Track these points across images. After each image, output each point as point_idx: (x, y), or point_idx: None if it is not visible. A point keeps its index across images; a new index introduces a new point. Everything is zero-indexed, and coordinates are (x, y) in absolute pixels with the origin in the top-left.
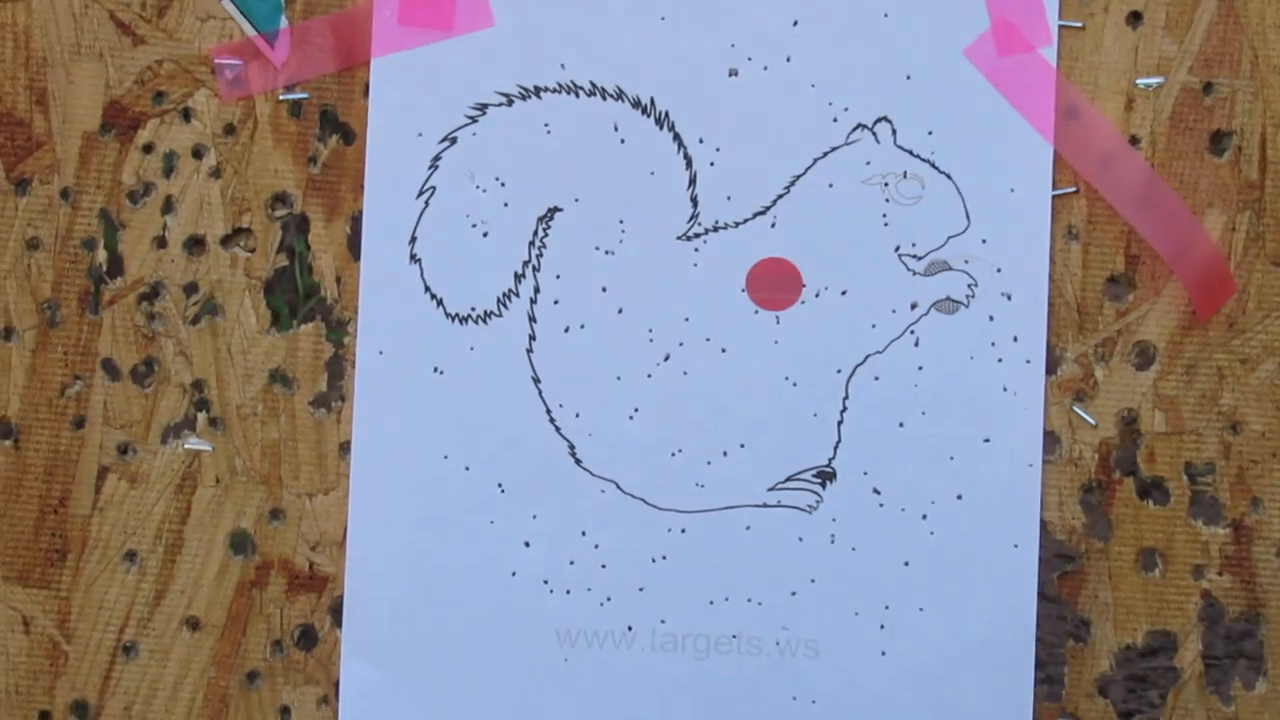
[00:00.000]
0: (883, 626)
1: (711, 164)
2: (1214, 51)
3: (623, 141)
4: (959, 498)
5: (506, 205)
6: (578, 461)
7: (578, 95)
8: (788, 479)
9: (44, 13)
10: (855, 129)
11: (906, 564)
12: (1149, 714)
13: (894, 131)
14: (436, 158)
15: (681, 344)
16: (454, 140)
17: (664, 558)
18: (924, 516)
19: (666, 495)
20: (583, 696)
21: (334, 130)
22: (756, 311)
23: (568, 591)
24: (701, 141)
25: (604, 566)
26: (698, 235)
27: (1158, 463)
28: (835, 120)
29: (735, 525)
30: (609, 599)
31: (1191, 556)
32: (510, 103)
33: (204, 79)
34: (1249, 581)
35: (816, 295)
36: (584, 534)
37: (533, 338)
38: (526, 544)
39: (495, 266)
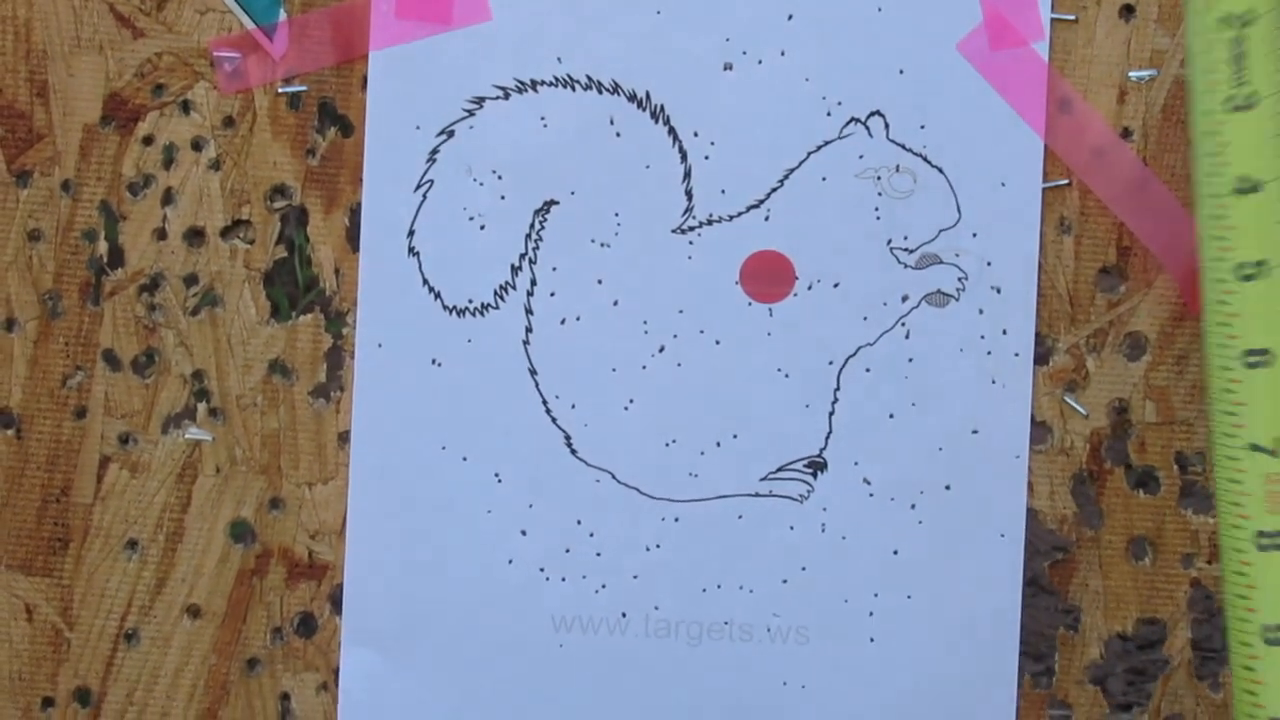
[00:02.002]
0: (871, 614)
1: (706, 157)
2: None
3: (618, 135)
4: (947, 488)
5: (503, 198)
6: (573, 452)
7: (574, 89)
8: (779, 469)
9: (44, 6)
10: (848, 123)
11: (895, 553)
12: (1140, 702)
13: (886, 125)
14: (434, 151)
15: (676, 336)
16: (451, 133)
17: (658, 546)
18: (912, 506)
19: (660, 485)
20: (577, 681)
21: (332, 123)
22: (750, 304)
23: (563, 579)
24: (696, 135)
25: (599, 554)
26: (692, 228)
27: (1148, 452)
28: (829, 114)
29: (728, 514)
30: (604, 586)
31: (1181, 545)
32: (507, 96)
33: (203, 72)
34: None
35: (809, 288)
36: (579, 523)
37: (529, 330)
38: (523, 532)
39: (492, 259)
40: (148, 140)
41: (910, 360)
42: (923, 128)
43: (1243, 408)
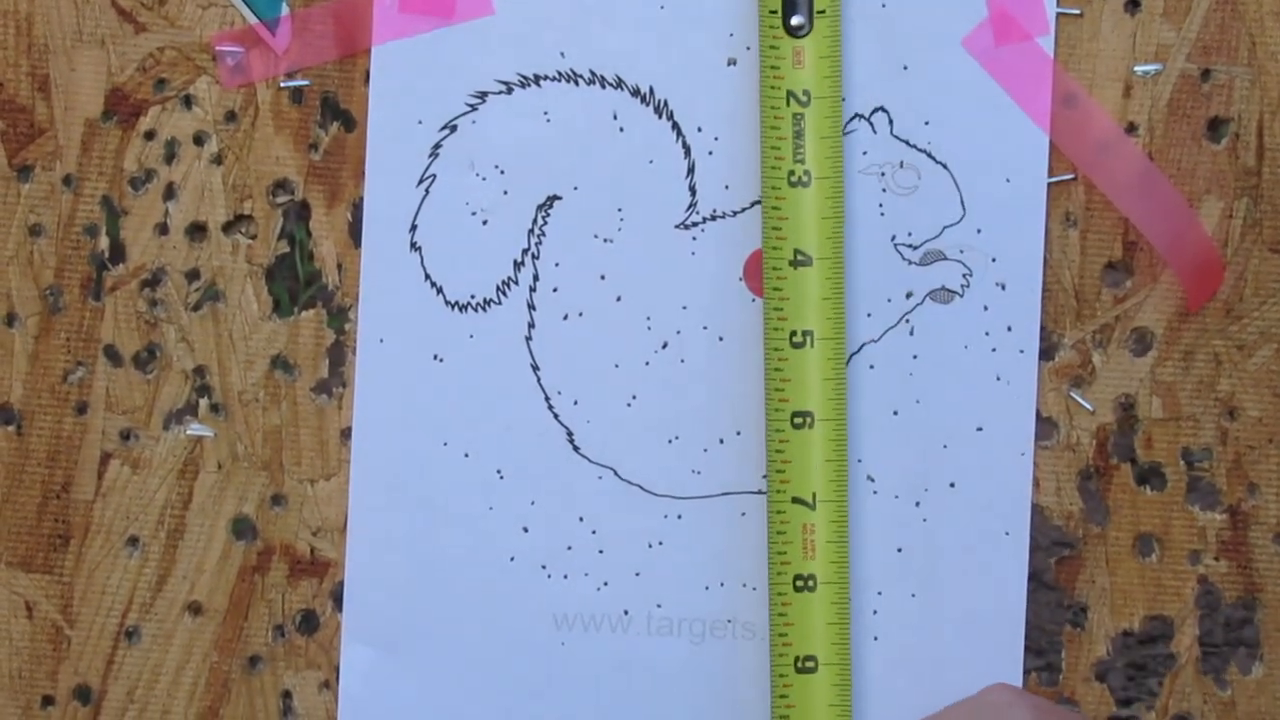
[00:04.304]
0: (875, 611)
1: (710, 153)
2: (1212, 39)
3: (622, 130)
4: (952, 485)
5: (506, 193)
6: (576, 448)
7: (577, 84)
8: None
9: (46, 0)
10: (852, 119)
11: (899, 550)
12: (1146, 699)
13: (891, 121)
14: (437, 145)
15: (679, 332)
16: (454, 128)
17: (660, 543)
18: (917, 504)
19: (663, 482)
20: (579, 679)
21: (335, 117)
22: (753, 300)
23: (565, 576)
24: (700, 130)
25: (601, 552)
26: (695, 224)
27: (1155, 448)
28: None
29: (731, 511)
30: (606, 584)
31: (1188, 542)
32: (510, 91)
33: (205, 66)
34: (1245, 567)
35: None
36: (581, 520)
37: (532, 325)
38: (525, 529)
39: (495, 255)
40: (149, 135)
41: (915, 357)
42: (927, 124)
43: (789, 465)
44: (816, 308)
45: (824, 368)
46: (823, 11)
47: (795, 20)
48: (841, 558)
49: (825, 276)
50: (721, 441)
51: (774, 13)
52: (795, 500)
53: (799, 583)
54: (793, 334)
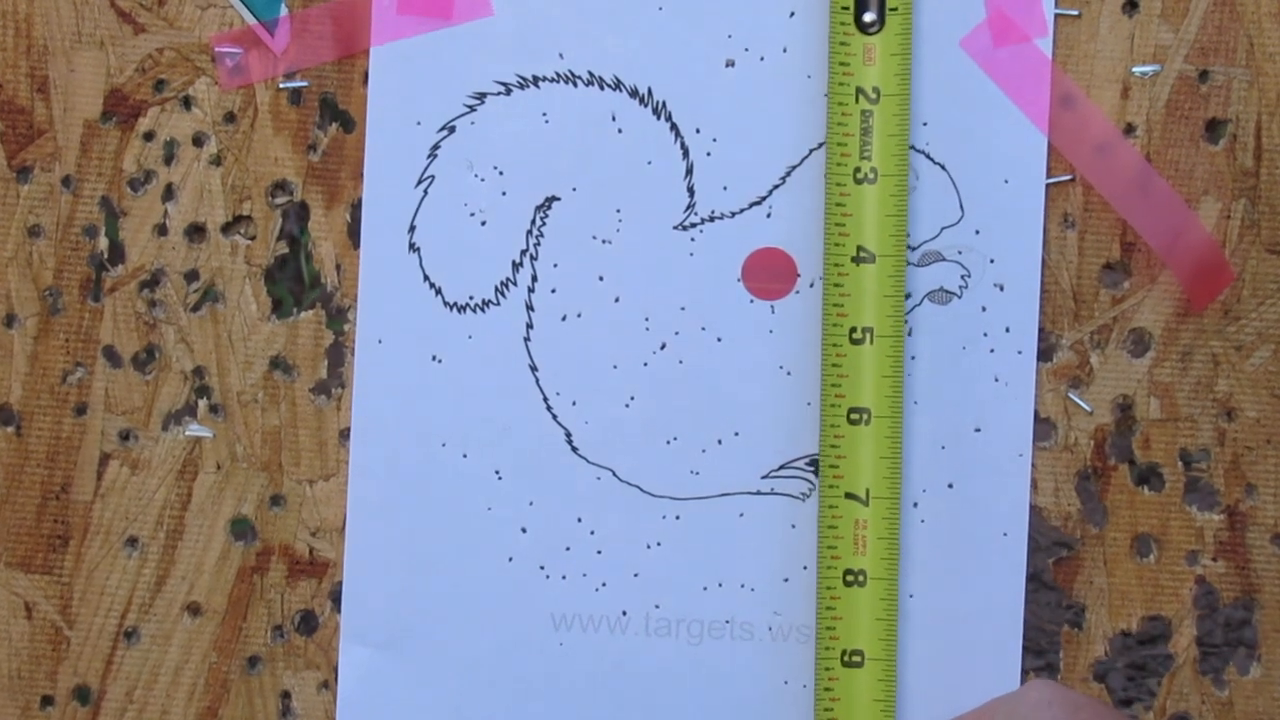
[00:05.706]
0: None
1: (708, 154)
2: (1210, 40)
3: (620, 131)
4: (950, 486)
5: (504, 194)
6: (574, 449)
7: (576, 85)
8: (781, 467)
9: (45, 1)
10: None
11: None
12: (1144, 699)
13: None
14: (435, 146)
15: (677, 333)
16: (453, 129)
17: (658, 544)
18: (915, 505)
19: (661, 482)
20: (577, 679)
21: (334, 118)
22: (751, 301)
23: (563, 577)
24: (698, 131)
25: (599, 552)
26: (694, 225)
27: (1153, 449)
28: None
29: (729, 512)
30: (604, 584)
31: (1186, 542)
32: (509, 92)
33: (204, 67)
34: (1243, 567)
35: (810, 285)
36: (580, 520)
37: (530, 326)
38: (523, 530)
39: (493, 256)
40: (149, 136)
41: (913, 358)
42: (925, 125)
43: (843, 461)
44: (877, 304)
45: (882, 365)
46: (895, 9)
47: (867, 17)
48: (892, 554)
49: (887, 274)
50: (720, 442)
51: (845, 8)
52: (849, 496)
53: (849, 577)
54: (852, 330)
